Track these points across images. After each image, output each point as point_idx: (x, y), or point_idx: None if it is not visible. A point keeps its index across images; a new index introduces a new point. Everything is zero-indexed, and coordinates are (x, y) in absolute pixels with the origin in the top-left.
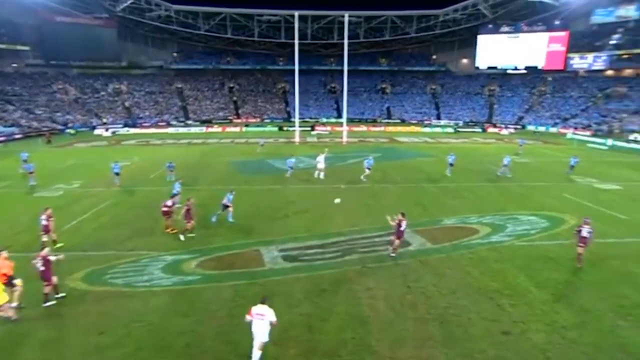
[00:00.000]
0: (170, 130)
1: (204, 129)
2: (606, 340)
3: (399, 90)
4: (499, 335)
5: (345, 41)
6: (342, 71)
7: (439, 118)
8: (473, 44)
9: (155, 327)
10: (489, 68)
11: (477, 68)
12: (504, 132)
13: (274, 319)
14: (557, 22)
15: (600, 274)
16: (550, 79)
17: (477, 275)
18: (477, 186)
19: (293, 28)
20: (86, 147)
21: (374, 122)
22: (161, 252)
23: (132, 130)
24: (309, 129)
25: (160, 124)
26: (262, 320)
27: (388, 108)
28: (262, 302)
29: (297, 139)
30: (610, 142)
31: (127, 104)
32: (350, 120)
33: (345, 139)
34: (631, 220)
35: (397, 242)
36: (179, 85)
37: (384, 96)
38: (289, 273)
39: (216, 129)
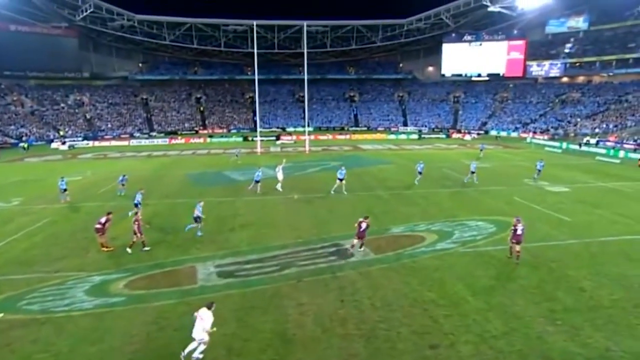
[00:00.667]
0: (132, 142)
1: (167, 141)
2: (532, 348)
3: (367, 98)
4: (426, 349)
5: (305, 50)
6: (312, 80)
7: (405, 125)
8: (438, 52)
9: (63, 357)
10: (454, 75)
11: (443, 75)
12: (467, 137)
13: (207, 327)
14: (515, 32)
15: (537, 277)
16: (511, 85)
17: (415, 285)
18: (432, 192)
19: (259, 38)
20: (38, 162)
21: (341, 130)
22: (91, 272)
23: (92, 143)
24: (274, 138)
25: (123, 136)
26: (199, 323)
27: (355, 116)
28: (208, 307)
29: (259, 149)
30: (564, 145)
31: (88, 115)
32: (318, 129)
33: (307, 148)
34: (574, 222)
35: (355, 241)
36: (145, 96)
37: (352, 104)
38: (221, 290)
39: (180, 140)
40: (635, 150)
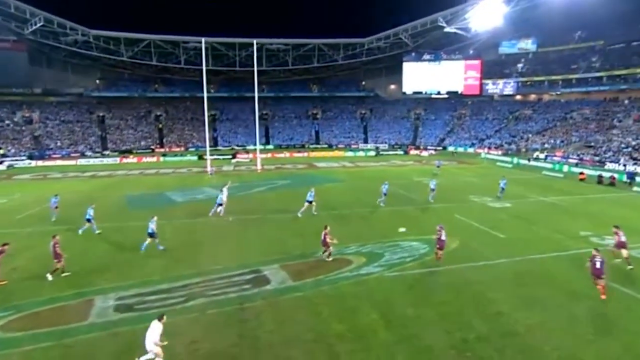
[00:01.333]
0: (80, 162)
1: (118, 160)
2: None
3: (329, 115)
4: None
5: (255, 69)
6: (275, 98)
7: (366, 142)
8: (399, 70)
9: None
10: (415, 93)
11: (404, 93)
12: (424, 153)
13: (155, 338)
14: (471, 52)
15: (459, 302)
16: (469, 102)
17: (326, 316)
18: (372, 211)
19: (221, 55)
20: None
21: (302, 147)
22: None
23: (36, 163)
24: (230, 157)
25: (73, 155)
26: (149, 333)
27: (317, 133)
28: (159, 319)
29: (208, 168)
30: (515, 160)
31: (36, 133)
32: (279, 147)
33: (260, 166)
34: (507, 239)
35: (330, 250)
36: (101, 114)
37: (315, 121)
38: (110, 328)
39: (131, 159)
40: (577, 165)
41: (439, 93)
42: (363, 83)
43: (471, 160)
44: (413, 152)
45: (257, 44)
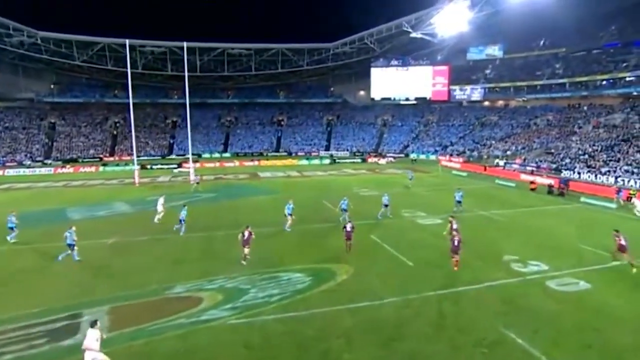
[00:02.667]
0: (7, 172)
1: (52, 171)
2: None
3: (294, 122)
4: None
5: (186, 74)
6: (240, 104)
7: (327, 149)
8: (368, 76)
9: None
10: (383, 99)
11: (373, 99)
12: (382, 161)
13: (89, 344)
14: (439, 57)
15: None
16: (438, 108)
17: None
18: (276, 233)
19: (181, 60)
20: None
21: (259, 155)
22: None
23: None
24: (175, 166)
25: (9, 164)
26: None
27: (278, 140)
28: (91, 326)
29: (136, 179)
30: (472, 168)
31: None
32: (236, 155)
33: (192, 177)
34: (415, 267)
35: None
36: (53, 120)
37: (279, 128)
38: None
39: (68, 169)
40: (532, 172)
41: (407, 99)
42: (332, 89)
43: (429, 168)
44: (372, 159)
45: (217, 48)
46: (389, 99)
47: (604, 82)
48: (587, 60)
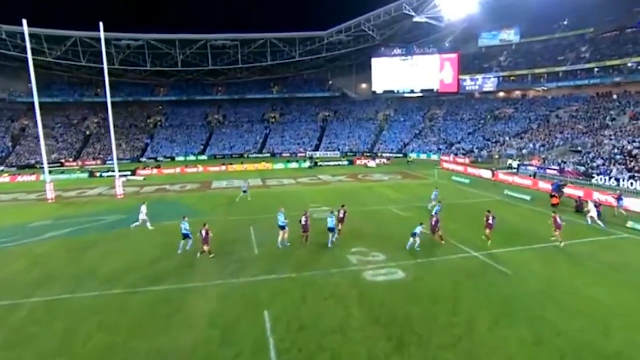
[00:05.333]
0: None
1: None
2: None
3: (287, 119)
4: None
5: (105, 67)
6: (230, 101)
7: (317, 149)
8: (370, 68)
9: None
10: (386, 92)
11: (374, 93)
12: (372, 163)
13: None
14: (447, 45)
15: None
16: (445, 101)
17: None
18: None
19: (163, 55)
20: None
21: (239, 157)
22: None
23: None
24: (129, 173)
25: None
26: None
27: (265, 140)
28: None
29: (49, 194)
30: (479, 172)
31: None
32: (214, 157)
33: (120, 191)
34: None
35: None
36: (26, 122)
37: (269, 126)
38: None
39: (4, 179)
40: (554, 182)
41: (412, 92)
42: (330, 82)
43: (425, 172)
44: (362, 161)
45: (198, 40)
46: (393, 92)
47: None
48: (620, 41)
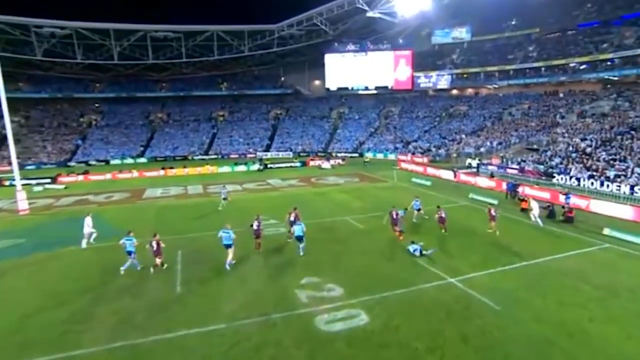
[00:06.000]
0: None
1: None
2: None
3: (236, 117)
4: None
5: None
6: (176, 98)
7: (268, 149)
8: (323, 64)
9: None
10: (340, 89)
11: (328, 89)
12: (326, 164)
13: None
14: (401, 41)
15: None
16: (400, 98)
17: None
18: None
19: (96, 46)
20: None
21: (183, 160)
22: None
23: None
24: (48, 181)
25: None
26: None
27: (212, 140)
28: None
29: (20, 205)
30: (439, 172)
31: None
32: (155, 160)
33: (22, 206)
34: None
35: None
36: None
37: (217, 125)
38: None
39: None
40: (509, 182)
41: (367, 89)
42: (282, 79)
43: (382, 173)
44: (315, 162)
45: (137, 31)
46: (347, 88)
47: (583, 66)
48: (563, 41)
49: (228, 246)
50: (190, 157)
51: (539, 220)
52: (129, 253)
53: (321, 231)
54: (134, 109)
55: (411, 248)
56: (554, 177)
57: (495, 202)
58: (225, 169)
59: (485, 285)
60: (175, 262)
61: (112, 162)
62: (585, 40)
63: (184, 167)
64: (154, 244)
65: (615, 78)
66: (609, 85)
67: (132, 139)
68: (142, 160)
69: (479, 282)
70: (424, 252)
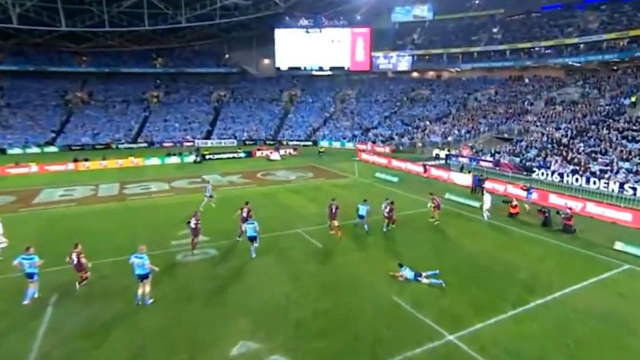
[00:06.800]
0: None
1: None
2: None
3: (172, 99)
4: None
5: None
6: (101, 74)
7: (209, 137)
8: (273, 40)
9: None
10: (291, 69)
11: (278, 69)
12: (275, 155)
13: None
14: (358, 18)
15: None
16: (358, 80)
17: None
18: None
19: None
20: None
21: (106, 148)
22: None
23: None
24: None
25: None
26: None
27: (142, 125)
28: None
29: None
30: (404, 166)
31: None
32: (68, 148)
33: None
34: None
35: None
36: None
37: (149, 107)
38: None
39: None
40: (475, 175)
41: (321, 69)
42: (226, 56)
43: (341, 166)
44: (263, 152)
45: None
46: (299, 68)
47: (549, 51)
48: (528, 24)
49: (143, 277)
50: (114, 146)
51: (487, 215)
52: (30, 276)
53: (265, 253)
54: (46, 86)
55: (407, 273)
56: (534, 171)
57: (475, 204)
58: (154, 161)
59: (488, 342)
60: (39, 323)
61: (10, 151)
62: (550, 24)
63: (103, 158)
64: (74, 257)
65: (579, 64)
66: (570, 72)
67: (40, 123)
68: (52, 149)
69: (481, 337)
70: (426, 279)
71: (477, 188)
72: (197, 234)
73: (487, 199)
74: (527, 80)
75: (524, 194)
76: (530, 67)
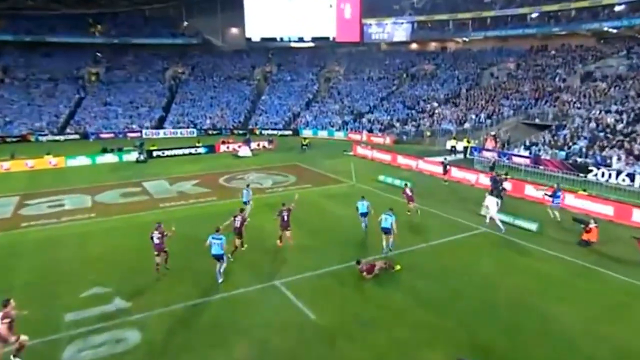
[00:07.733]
0: None
1: None
2: None
3: (115, 77)
4: None
5: None
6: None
7: (161, 125)
8: (242, 5)
9: None
10: (265, 40)
11: (249, 40)
12: (245, 151)
13: None
14: None
15: None
16: (345, 53)
17: None
18: None
19: None
20: None
21: (20, 141)
22: None
23: None
24: None
25: None
26: None
27: (73, 111)
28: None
29: None
30: (415, 164)
31: None
32: None
33: None
34: None
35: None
36: None
37: (86, 87)
38: None
39: None
40: (496, 177)
41: (301, 40)
42: (185, 24)
43: (333, 166)
44: (229, 146)
45: None
46: (274, 39)
47: (582, 14)
48: None
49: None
50: (34, 139)
51: (488, 220)
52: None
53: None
54: None
55: None
56: (591, 170)
57: (534, 228)
58: (81, 160)
59: None
60: None
61: None
62: None
63: (11, 156)
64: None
65: (615, 31)
66: (602, 39)
67: None
68: None
69: None
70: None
71: (494, 192)
72: (162, 248)
73: (489, 201)
74: (553, 52)
75: (549, 199)
76: (554, 36)
